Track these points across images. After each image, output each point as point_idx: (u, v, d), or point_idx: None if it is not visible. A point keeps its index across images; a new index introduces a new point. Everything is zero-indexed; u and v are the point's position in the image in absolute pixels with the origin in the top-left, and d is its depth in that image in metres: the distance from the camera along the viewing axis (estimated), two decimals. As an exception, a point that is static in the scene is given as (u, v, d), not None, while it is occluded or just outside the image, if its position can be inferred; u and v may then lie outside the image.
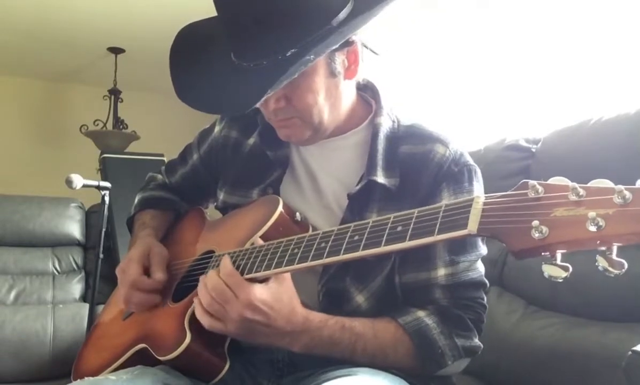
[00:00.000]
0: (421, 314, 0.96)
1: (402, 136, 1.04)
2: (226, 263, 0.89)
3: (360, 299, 0.99)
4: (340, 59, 0.98)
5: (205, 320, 0.89)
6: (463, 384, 1.39)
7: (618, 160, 1.31)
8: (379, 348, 0.93)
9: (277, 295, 0.87)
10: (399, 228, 0.73)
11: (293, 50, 0.89)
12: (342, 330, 0.92)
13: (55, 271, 2.73)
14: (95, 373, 1.04)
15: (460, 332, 0.96)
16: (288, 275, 0.89)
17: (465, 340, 0.96)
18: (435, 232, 0.69)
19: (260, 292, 0.86)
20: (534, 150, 1.63)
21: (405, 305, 0.99)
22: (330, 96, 0.99)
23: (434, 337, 0.94)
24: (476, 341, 0.98)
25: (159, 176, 1.34)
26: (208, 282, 0.88)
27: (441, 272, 0.97)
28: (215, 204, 1.20)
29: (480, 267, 1.01)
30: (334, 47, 0.91)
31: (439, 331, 0.94)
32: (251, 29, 0.91)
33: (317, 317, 0.91)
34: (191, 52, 1.05)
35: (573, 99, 2.03)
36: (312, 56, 0.88)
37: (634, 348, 0.90)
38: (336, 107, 1.02)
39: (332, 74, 0.98)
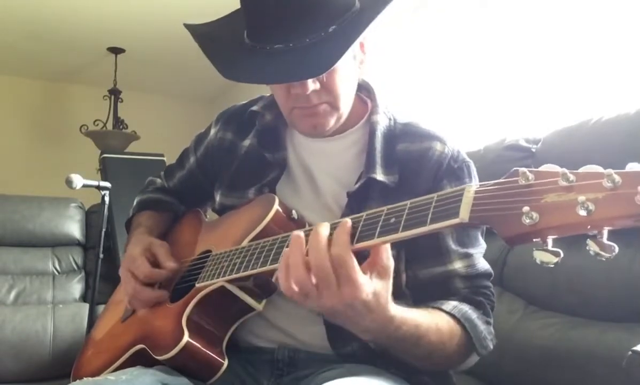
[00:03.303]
0: (455, 302, 0.95)
1: (399, 134, 1.05)
2: (345, 240, 0.74)
3: None
4: (358, 48, 0.99)
5: (289, 291, 0.76)
6: (463, 384, 1.39)
7: (618, 160, 1.30)
8: (439, 340, 0.88)
9: (378, 297, 0.76)
10: (392, 219, 0.73)
11: (334, 27, 0.90)
12: (416, 328, 0.84)
13: (55, 271, 2.73)
14: (94, 374, 1.04)
15: (487, 318, 0.98)
16: (391, 270, 0.78)
17: (490, 326, 0.98)
18: (428, 222, 0.68)
19: (366, 293, 0.74)
20: (534, 150, 1.63)
21: (429, 299, 0.96)
22: (353, 84, 1.00)
23: (477, 321, 0.94)
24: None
25: (158, 180, 1.35)
26: (314, 258, 0.73)
27: (458, 264, 0.98)
28: (212, 206, 1.20)
29: (484, 260, 1.03)
30: (372, 23, 0.91)
31: (476, 316, 0.95)
32: (286, 13, 0.89)
33: (398, 316, 0.81)
34: (217, 41, 1.02)
35: (573, 99, 2.03)
36: (372, 18, 0.89)
37: (634, 348, 0.90)
38: (352, 97, 1.03)
39: (355, 60, 0.99)
